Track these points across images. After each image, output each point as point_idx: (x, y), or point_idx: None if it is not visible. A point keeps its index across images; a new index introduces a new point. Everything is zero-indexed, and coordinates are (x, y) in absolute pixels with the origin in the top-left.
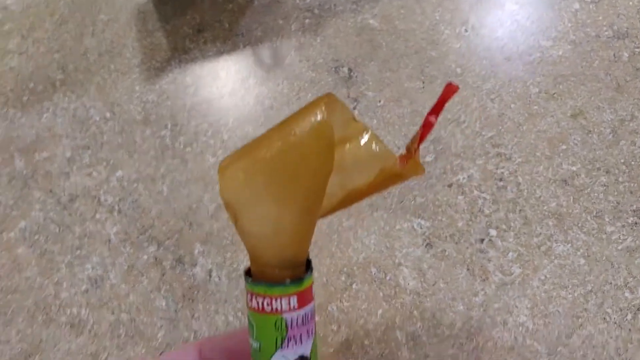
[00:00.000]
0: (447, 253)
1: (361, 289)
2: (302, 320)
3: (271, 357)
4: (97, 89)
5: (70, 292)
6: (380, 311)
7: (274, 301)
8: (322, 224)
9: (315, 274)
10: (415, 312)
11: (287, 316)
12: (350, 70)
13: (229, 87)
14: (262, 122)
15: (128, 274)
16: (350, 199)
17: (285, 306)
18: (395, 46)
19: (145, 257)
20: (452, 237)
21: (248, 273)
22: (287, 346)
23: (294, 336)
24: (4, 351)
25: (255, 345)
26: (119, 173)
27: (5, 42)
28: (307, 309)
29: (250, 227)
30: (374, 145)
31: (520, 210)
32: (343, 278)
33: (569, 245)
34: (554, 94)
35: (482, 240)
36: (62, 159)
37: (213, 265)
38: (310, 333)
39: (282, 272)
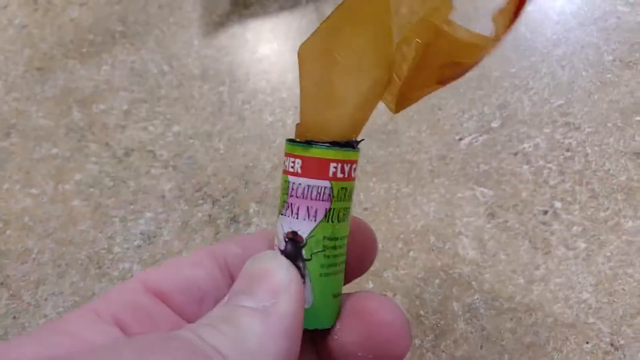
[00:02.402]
0: (509, 224)
1: (418, 257)
2: (303, 193)
3: (278, 217)
4: (155, 42)
5: (123, 247)
6: (437, 281)
7: (286, 159)
8: (380, 190)
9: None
10: (473, 283)
11: (290, 179)
12: None
13: (290, 44)
14: None
15: (181, 231)
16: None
17: (289, 166)
18: (460, 7)
19: (200, 214)
20: (515, 207)
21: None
22: (284, 213)
23: (291, 204)
24: (57, 302)
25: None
26: (176, 128)
27: None
28: (313, 182)
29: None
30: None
31: (587, 182)
32: (400, 245)
33: (639, 221)
34: (629, 62)
35: (545, 212)
36: (119, 112)
37: (268, 225)
38: (312, 214)
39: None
